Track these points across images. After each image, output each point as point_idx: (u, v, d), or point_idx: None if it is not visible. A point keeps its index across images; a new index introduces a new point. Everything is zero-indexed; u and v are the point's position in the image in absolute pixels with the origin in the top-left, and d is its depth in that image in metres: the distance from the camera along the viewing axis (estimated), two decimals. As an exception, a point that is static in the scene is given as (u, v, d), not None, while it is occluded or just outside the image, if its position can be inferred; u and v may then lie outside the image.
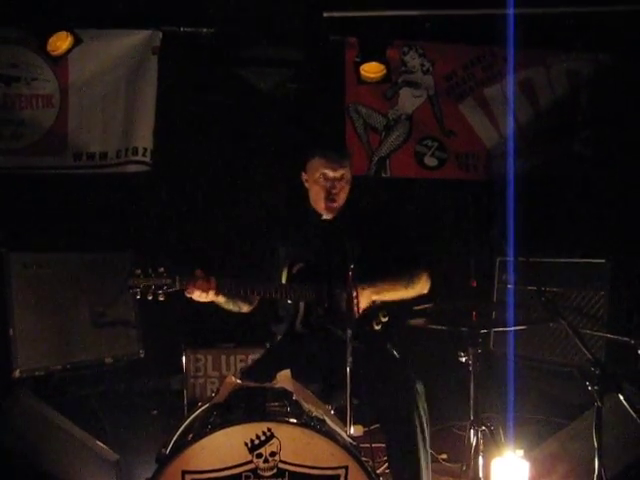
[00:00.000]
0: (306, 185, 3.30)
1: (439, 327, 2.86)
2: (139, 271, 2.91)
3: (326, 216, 3.28)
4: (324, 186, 3.20)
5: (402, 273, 3.20)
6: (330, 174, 3.19)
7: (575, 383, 3.84)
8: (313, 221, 3.32)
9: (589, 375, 2.34)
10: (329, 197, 3.20)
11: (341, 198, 3.24)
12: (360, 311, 3.02)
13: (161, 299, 2.92)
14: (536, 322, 3.26)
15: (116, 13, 4.61)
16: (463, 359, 2.82)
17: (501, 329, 3.43)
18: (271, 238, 3.37)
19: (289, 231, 3.37)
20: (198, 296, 2.99)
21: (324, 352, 3.07)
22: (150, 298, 2.91)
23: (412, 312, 3.07)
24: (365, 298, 3.06)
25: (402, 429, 2.87)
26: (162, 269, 2.93)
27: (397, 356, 3.15)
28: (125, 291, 2.98)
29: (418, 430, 2.86)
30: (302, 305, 3.21)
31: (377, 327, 3.14)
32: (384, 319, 3.13)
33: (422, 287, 3.24)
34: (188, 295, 3.00)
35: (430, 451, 2.97)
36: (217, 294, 3.01)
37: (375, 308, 3.11)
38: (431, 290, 3.25)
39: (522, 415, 3.89)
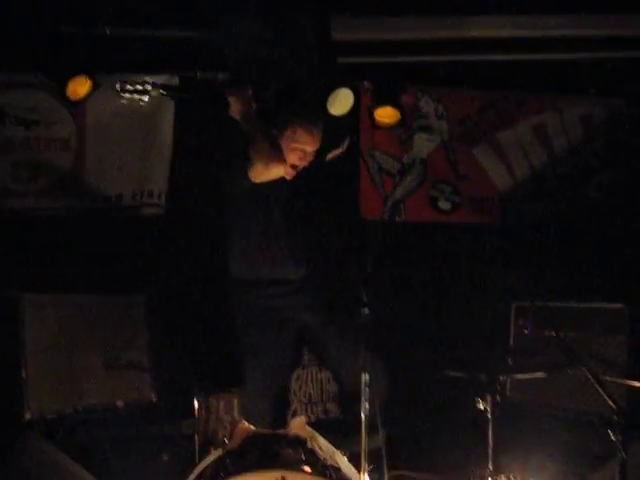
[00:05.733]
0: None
1: (456, 374, 2.82)
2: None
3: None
4: (295, 156, 3.23)
5: None
6: (309, 149, 3.22)
7: (596, 432, 3.76)
8: None
9: (611, 424, 2.29)
10: (294, 166, 3.26)
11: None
12: None
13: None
14: (555, 369, 3.20)
15: (134, 58, 4.69)
16: (481, 406, 2.77)
17: (520, 376, 3.37)
18: None
19: None
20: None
21: None
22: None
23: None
24: None
25: None
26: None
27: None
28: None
29: None
30: None
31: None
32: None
33: None
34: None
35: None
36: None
37: None
38: None
39: (541, 464, 3.80)
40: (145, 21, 4.47)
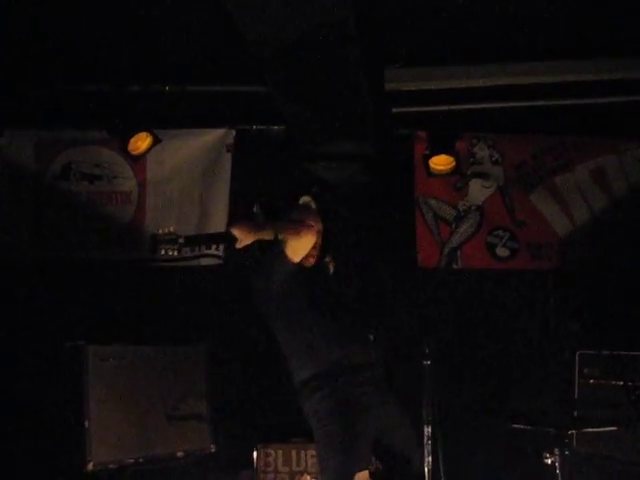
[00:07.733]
0: None
1: (523, 427, 2.74)
2: None
3: None
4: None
5: None
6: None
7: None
8: None
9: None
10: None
11: None
12: None
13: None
14: (625, 422, 3.08)
15: (192, 113, 4.82)
16: (549, 461, 2.69)
17: (590, 430, 3.24)
18: None
19: None
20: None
21: None
22: None
23: None
24: None
25: None
26: None
27: None
28: None
29: None
30: None
31: None
32: None
33: None
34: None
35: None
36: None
37: None
38: None
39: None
40: (202, 77, 4.59)
